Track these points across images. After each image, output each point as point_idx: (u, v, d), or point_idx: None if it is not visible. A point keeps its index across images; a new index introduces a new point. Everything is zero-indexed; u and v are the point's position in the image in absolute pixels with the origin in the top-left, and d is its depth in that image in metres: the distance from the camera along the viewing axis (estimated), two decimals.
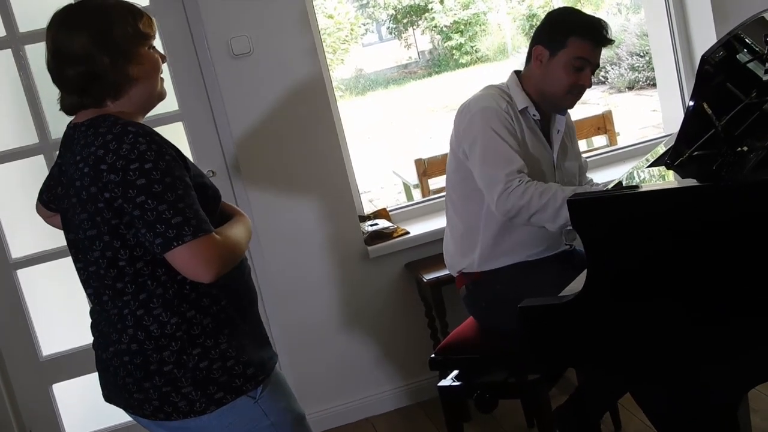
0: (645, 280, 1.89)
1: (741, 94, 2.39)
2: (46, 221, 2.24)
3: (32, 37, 3.25)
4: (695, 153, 2.07)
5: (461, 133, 2.68)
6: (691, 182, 1.96)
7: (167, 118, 3.38)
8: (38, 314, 3.47)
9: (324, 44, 10.57)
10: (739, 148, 2.10)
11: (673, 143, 2.10)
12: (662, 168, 2.10)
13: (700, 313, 1.85)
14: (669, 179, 2.05)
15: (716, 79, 2.14)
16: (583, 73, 2.67)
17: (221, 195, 2.02)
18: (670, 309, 1.87)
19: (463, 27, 21.17)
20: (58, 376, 3.49)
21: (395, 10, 22.96)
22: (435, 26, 22.28)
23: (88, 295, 1.97)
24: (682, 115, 2.42)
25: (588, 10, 17.43)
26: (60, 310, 3.56)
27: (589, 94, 13.40)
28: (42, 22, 3.22)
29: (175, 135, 3.39)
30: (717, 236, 1.81)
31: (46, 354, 3.47)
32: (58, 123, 3.47)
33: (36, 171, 3.31)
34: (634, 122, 10.11)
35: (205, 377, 1.85)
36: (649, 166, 2.15)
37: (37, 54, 3.30)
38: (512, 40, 20.72)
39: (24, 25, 3.28)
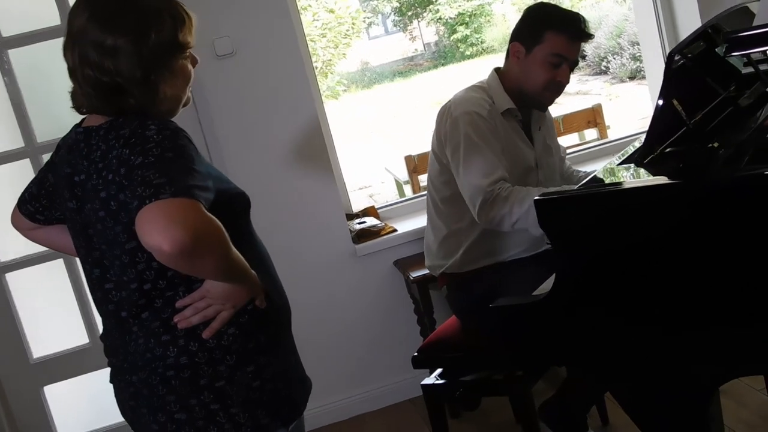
0: (612, 278, 1.88)
1: (719, 88, 2.38)
2: (24, 234, 2.02)
3: (16, 41, 3.26)
4: (667, 150, 2.07)
5: (443, 138, 2.67)
6: (658, 180, 1.96)
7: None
8: (28, 317, 3.48)
9: (325, 39, 10.53)
10: (711, 144, 2.09)
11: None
12: (632, 165, 2.09)
13: (667, 311, 1.85)
14: (638, 177, 2.04)
15: (687, 74, 2.13)
16: (560, 70, 2.64)
17: (249, 200, 1.86)
18: (637, 308, 1.87)
19: (467, 18, 21.13)
20: (50, 378, 3.50)
21: (399, 3, 22.94)
22: (440, 18, 22.25)
23: (111, 316, 1.75)
24: None
25: (592, 0, 17.37)
26: (50, 312, 3.58)
27: (591, 84, 13.46)
28: (25, 26, 3.28)
29: None
30: (682, 234, 1.81)
31: (37, 356, 3.49)
32: (44, 127, 3.51)
33: (23, 175, 3.30)
34: (635, 112, 10.08)
35: (257, 398, 1.72)
36: (619, 164, 2.14)
37: (21, 58, 3.32)
38: None
39: (7, 30, 3.28)
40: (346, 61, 19.66)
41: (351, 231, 3.60)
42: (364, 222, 3.66)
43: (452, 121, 2.63)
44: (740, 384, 3.03)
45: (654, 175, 2.01)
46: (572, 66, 2.67)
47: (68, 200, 1.75)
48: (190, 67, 1.76)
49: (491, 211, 2.48)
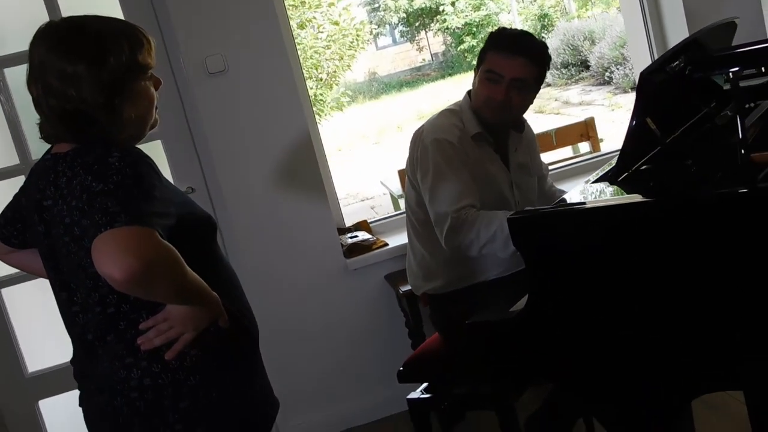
0: (581, 296, 1.91)
1: (700, 105, 2.41)
2: (0, 258, 2.05)
3: (12, 60, 3.31)
4: (641, 168, 2.09)
5: (415, 163, 2.70)
6: (630, 198, 1.98)
7: (145, 137, 3.41)
8: (22, 332, 3.52)
9: (329, 51, 10.52)
10: (685, 162, 2.11)
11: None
12: (606, 184, 2.11)
13: (634, 328, 1.87)
14: (612, 195, 2.07)
15: (666, 90, 2.15)
16: (497, 86, 2.62)
17: (216, 223, 1.89)
18: (604, 325, 1.89)
19: (474, 29, 21.16)
20: (44, 393, 3.54)
21: (407, 13, 23.00)
22: (447, 28, 22.30)
23: (78, 339, 1.79)
24: None
25: (597, 10, 17.41)
26: (44, 327, 3.61)
27: (594, 95, 13.45)
28: (21, 44, 3.32)
29: (154, 153, 3.41)
30: (651, 251, 1.83)
31: (32, 371, 3.53)
32: (40, 144, 3.54)
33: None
34: None
35: (221, 418, 1.74)
36: (594, 182, 2.16)
37: (17, 75, 3.36)
38: None
39: (3, 49, 3.33)
40: (354, 72, 19.72)
41: (342, 245, 3.63)
42: (356, 236, 3.69)
43: (423, 147, 2.66)
44: (724, 395, 3.04)
45: (627, 193, 2.03)
46: (514, 84, 2.62)
47: (37, 224, 1.78)
48: (152, 89, 1.79)
49: (458, 237, 2.50)
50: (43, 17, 3.22)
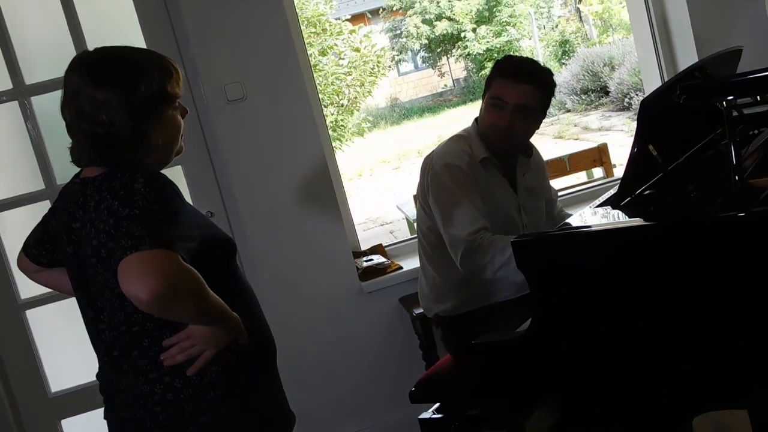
0: (584, 317, 1.96)
1: (705, 130, 2.46)
2: (29, 276, 2.15)
3: (38, 88, 3.42)
4: (644, 192, 2.15)
5: (425, 188, 2.76)
6: (631, 222, 2.04)
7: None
8: (46, 352, 3.61)
9: (350, 77, 10.58)
10: (686, 187, 2.17)
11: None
12: (608, 209, 2.17)
13: (637, 349, 1.92)
14: (612, 219, 2.13)
15: (664, 119, 2.21)
16: (501, 112, 2.68)
17: (235, 245, 1.96)
18: (605, 346, 1.95)
19: (496, 54, 21.26)
20: (67, 412, 3.62)
21: (428, 39, 23.15)
22: (468, 54, 22.42)
23: (104, 355, 1.87)
24: None
25: (618, 36, 17.44)
26: (67, 347, 3.70)
27: (614, 120, 13.46)
28: (48, 73, 3.44)
29: (175, 177, 3.49)
30: (651, 274, 1.88)
31: (55, 390, 3.61)
32: (64, 170, 3.65)
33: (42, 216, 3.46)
34: None
35: (239, 429, 1.82)
36: (596, 207, 2.22)
37: (42, 104, 3.48)
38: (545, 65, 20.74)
39: (30, 77, 3.44)
40: (376, 98, 19.85)
41: (358, 268, 3.70)
42: (371, 260, 3.76)
43: (433, 173, 2.73)
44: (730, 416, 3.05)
45: (629, 217, 2.09)
46: (520, 111, 2.67)
47: (66, 245, 1.87)
48: (179, 117, 1.88)
49: (473, 260, 2.56)
50: (69, 47, 3.35)
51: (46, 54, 3.60)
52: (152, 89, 1.79)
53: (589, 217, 2.17)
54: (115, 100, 1.76)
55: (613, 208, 2.14)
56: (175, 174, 3.55)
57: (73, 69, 1.82)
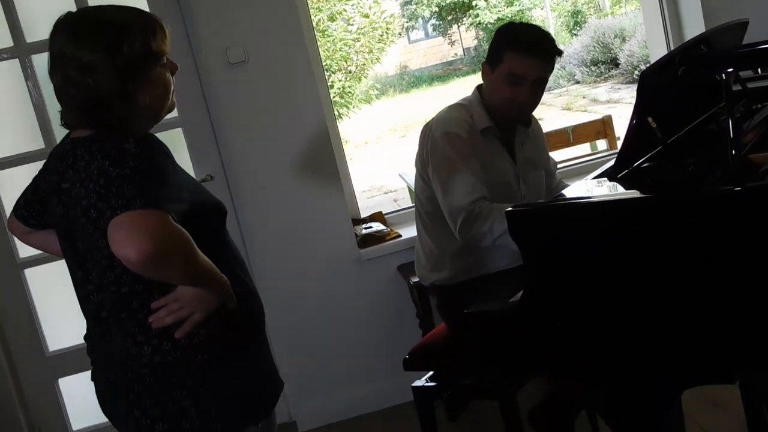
0: (576, 288, 1.95)
1: (707, 104, 2.43)
2: (20, 238, 2.12)
3: (39, 47, 3.39)
4: (640, 166, 2.13)
5: (425, 157, 2.74)
6: (628, 194, 2.02)
7: (166, 125, 3.48)
8: (44, 311, 3.63)
9: (358, 43, 10.53)
10: (684, 161, 2.15)
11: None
12: (604, 180, 2.15)
13: (629, 322, 1.91)
14: (608, 191, 2.11)
15: (665, 92, 2.19)
16: (519, 88, 2.65)
17: (225, 210, 1.95)
18: (600, 315, 1.93)
19: None
20: (64, 371, 3.64)
21: (439, 7, 23.01)
22: (479, 23, 22.29)
23: (92, 316, 1.85)
24: None
25: (631, 7, 17.28)
26: (66, 306, 3.70)
27: (623, 93, 13.37)
28: (48, 31, 3.41)
29: (174, 140, 3.52)
30: (645, 246, 1.87)
31: (53, 349, 3.63)
32: (64, 130, 3.63)
33: None
34: None
35: (227, 396, 1.82)
36: (593, 178, 2.21)
37: (43, 63, 3.45)
38: (557, 36, 20.63)
39: (31, 35, 3.42)
40: (385, 65, 19.77)
41: (357, 235, 3.69)
42: (370, 227, 3.75)
43: (433, 141, 2.70)
44: (723, 389, 3.06)
45: (625, 189, 2.07)
46: (537, 83, 2.66)
47: (56, 206, 1.85)
48: (168, 74, 1.85)
49: (472, 229, 2.55)
50: (71, 5, 3.32)
51: (48, 12, 3.56)
52: (137, 48, 1.76)
53: (584, 188, 2.15)
54: (100, 63, 1.73)
55: (610, 180, 2.12)
56: (175, 136, 3.55)
57: (57, 32, 1.79)
